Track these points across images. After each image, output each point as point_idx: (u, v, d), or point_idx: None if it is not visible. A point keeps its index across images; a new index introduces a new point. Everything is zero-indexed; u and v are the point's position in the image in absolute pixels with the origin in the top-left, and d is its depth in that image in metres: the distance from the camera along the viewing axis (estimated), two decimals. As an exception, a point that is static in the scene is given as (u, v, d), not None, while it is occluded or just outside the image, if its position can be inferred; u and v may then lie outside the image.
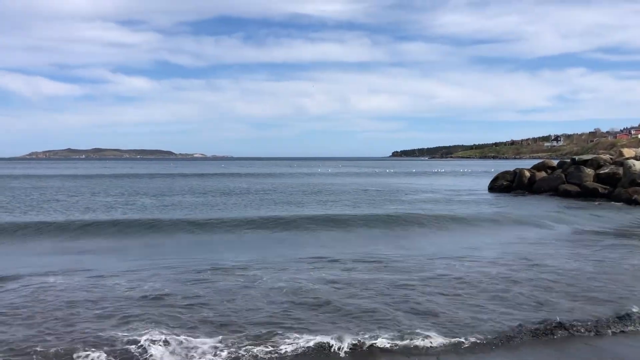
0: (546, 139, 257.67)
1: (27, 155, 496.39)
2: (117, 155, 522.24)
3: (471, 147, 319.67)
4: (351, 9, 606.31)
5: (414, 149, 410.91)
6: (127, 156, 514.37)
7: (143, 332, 7.45)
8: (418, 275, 11.07)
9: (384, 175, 63.66)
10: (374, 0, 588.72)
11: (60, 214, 22.32)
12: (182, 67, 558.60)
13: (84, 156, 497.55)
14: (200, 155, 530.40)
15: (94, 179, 53.97)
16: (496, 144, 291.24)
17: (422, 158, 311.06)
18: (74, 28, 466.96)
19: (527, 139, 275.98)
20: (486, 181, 39.78)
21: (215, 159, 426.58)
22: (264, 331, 7.60)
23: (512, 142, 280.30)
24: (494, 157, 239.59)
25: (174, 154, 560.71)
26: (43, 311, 8.49)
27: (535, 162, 39.57)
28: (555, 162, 36.06)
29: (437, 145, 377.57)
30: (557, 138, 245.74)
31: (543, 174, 33.66)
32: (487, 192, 35.51)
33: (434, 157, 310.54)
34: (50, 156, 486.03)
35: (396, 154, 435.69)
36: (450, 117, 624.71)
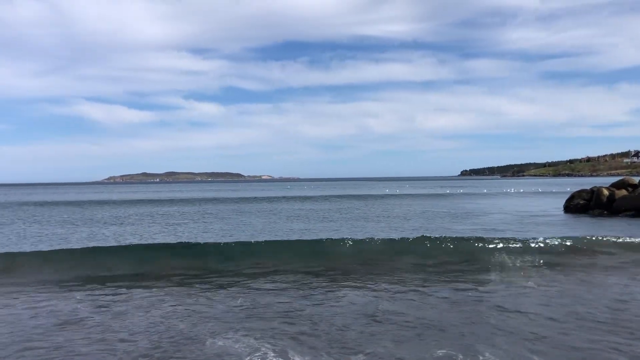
0: (625, 154, 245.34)
1: (105, 179, 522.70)
2: (190, 178, 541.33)
3: (544, 165, 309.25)
4: (416, 28, 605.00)
5: (484, 168, 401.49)
6: (199, 179, 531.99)
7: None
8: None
9: (461, 197, 62.32)
10: (440, 19, 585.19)
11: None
12: (249, 92, 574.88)
13: (158, 180, 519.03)
14: (268, 177, 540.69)
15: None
16: (571, 161, 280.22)
17: (493, 177, 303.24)
18: (149, 58, 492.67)
19: (604, 156, 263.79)
20: (561, 201, 38.27)
21: (282, 180, 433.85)
22: None
23: (588, 159, 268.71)
24: (568, 175, 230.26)
25: (243, 176, 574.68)
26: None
27: (614, 179, 37.64)
28: (636, 180, 34.24)
29: (508, 164, 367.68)
30: (637, 154, 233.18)
31: (623, 192, 32.02)
32: (562, 212, 34.14)
33: (505, 176, 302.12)
34: (127, 180, 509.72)
35: (465, 173, 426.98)
36: (521, 134, 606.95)
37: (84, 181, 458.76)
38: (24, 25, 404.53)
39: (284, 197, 63.57)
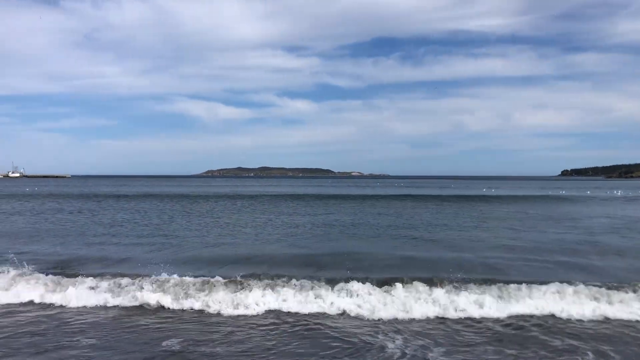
0: None
1: (204, 173, 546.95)
2: (282, 173, 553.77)
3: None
4: (515, 22, 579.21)
5: (587, 168, 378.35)
6: (291, 174, 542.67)
7: None
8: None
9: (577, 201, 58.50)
10: (540, 11, 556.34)
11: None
12: (341, 88, 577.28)
13: (252, 174, 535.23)
14: (358, 174, 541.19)
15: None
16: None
17: (597, 178, 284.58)
18: (245, 56, 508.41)
19: None
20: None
21: (372, 177, 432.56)
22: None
23: None
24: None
25: (332, 172, 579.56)
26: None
27: None
28: None
29: (615, 164, 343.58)
30: None
31: None
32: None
33: (610, 177, 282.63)
34: (223, 174, 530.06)
35: (566, 173, 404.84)
36: (630, 132, 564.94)
37: (184, 174, 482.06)
38: (131, 27, 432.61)
39: (379, 195, 62.51)
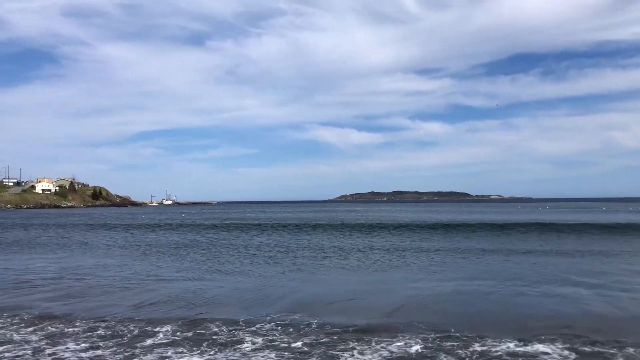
0: None
1: (337, 198, 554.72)
2: (416, 197, 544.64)
3: None
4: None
5: None
6: (425, 198, 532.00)
7: None
8: None
9: None
10: None
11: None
12: (476, 108, 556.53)
13: (385, 198, 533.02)
14: (497, 197, 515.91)
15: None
16: None
17: None
18: (376, 82, 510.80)
19: None
20: None
21: (513, 200, 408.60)
22: None
23: None
24: None
25: (469, 195, 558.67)
26: None
27: None
28: None
29: None
30: None
31: None
32: None
33: None
34: (356, 198, 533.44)
35: None
36: None
37: (319, 199, 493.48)
38: (269, 60, 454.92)
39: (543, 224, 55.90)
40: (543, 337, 11.89)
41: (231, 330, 12.85)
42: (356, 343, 11.61)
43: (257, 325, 13.32)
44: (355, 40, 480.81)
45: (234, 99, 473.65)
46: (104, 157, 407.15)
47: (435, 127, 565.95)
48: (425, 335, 12.16)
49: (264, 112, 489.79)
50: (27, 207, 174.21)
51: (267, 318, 14.03)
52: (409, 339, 11.90)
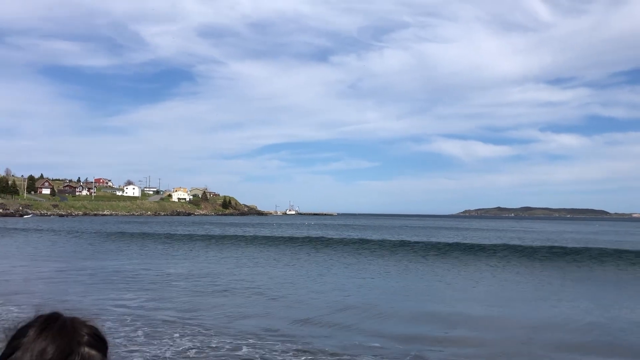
0: None
1: (460, 212, 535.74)
2: (547, 214, 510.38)
3: None
4: None
5: None
6: (557, 215, 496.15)
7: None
8: None
9: None
10: None
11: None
12: (617, 119, 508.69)
13: (512, 214, 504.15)
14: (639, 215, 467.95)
15: None
16: None
17: None
18: (504, 93, 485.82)
19: None
20: None
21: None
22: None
23: None
24: None
25: (607, 213, 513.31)
26: None
27: None
28: None
29: None
30: None
31: None
32: None
33: None
34: (482, 214, 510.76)
35: None
36: None
37: (440, 214, 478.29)
38: (391, 73, 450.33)
39: None
40: None
41: None
42: None
43: None
44: (482, 51, 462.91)
45: (355, 112, 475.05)
46: (234, 168, 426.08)
47: (568, 140, 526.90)
48: None
49: (385, 125, 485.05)
50: (164, 214, 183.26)
51: None
52: None
